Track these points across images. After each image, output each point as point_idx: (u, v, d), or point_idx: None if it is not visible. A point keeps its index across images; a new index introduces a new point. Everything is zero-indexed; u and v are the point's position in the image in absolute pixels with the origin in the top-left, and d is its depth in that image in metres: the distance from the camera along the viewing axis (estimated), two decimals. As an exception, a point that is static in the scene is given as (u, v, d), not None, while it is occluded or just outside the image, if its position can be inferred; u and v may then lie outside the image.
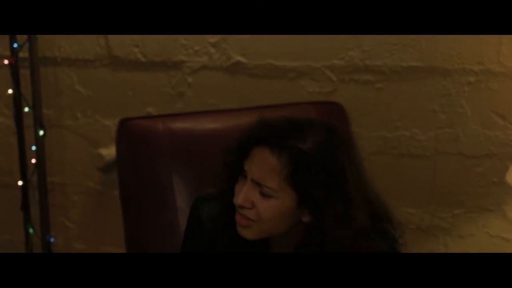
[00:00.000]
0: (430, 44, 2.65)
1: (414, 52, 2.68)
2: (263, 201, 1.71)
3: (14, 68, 3.14)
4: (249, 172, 1.73)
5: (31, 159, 3.24)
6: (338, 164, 1.70)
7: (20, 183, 3.28)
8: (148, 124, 2.35)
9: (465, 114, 2.67)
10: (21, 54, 3.14)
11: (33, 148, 3.20)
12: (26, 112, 3.20)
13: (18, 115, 3.21)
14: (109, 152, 3.15)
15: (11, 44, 3.12)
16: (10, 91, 3.17)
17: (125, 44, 3.09)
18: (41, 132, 3.17)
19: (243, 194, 1.73)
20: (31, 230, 3.32)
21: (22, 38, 3.09)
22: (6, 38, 3.13)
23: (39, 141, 3.19)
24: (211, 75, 3.00)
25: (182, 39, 3.01)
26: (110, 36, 3.11)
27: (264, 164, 1.70)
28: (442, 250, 2.81)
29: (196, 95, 3.04)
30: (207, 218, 1.87)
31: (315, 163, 1.68)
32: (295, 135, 1.70)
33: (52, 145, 3.29)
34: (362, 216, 1.72)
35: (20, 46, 3.11)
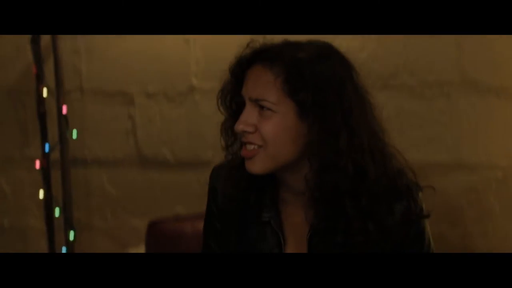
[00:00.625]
0: (455, 139, 2.65)
1: (440, 146, 2.68)
2: (264, 121, 1.63)
3: (45, 171, 3.17)
4: (246, 93, 1.65)
5: (61, 260, 3.23)
6: (337, 76, 1.62)
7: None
8: (177, 226, 2.35)
9: (494, 210, 2.65)
10: (52, 156, 3.18)
11: (64, 250, 3.21)
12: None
13: (49, 218, 3.22)
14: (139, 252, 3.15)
15: (43, 147, 3.17)
16: (41, 193, 3.19)
17: (154, 143, 3.13)
18: (72, 235, 3.17)
19: (243, 118, 1.65)
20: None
21: (54, 140, 3.14)
22: (37, 140, 3.18)
23: (69, 243, 3.19)
24: (239, 173, 3.01)
25: (210, 137, 3.05)
26: (139, 136, 3.15)
27: (258, 80, 1.63)
28: None
29: (224, 193, 3.04)
30: (220, 180, 1.78)
31: (310, 69, 1.61)
32: (288, 48, 1.64)
33: (82, 246, 3.30)
34: (370, 148, 1.63)
35: (51, 149, 3.15)
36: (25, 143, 3.30)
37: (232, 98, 1.71)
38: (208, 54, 3.00)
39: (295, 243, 1.73)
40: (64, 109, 3.08)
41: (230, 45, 2.87)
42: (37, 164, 3.18)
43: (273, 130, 1.63)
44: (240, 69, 1.68)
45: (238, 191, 1.74)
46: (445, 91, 2.65)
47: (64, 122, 3.10)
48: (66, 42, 3.08)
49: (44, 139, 3.17)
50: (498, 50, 2.56)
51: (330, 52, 1.67)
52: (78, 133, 3.13)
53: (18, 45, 3.19)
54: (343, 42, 2.69)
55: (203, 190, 3.02)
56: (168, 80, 3.06)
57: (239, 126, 1.65)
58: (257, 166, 1.66)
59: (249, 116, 1.65)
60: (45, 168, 3.18)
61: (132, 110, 3.13)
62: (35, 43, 3.04)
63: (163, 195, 3.16)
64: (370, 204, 1.64)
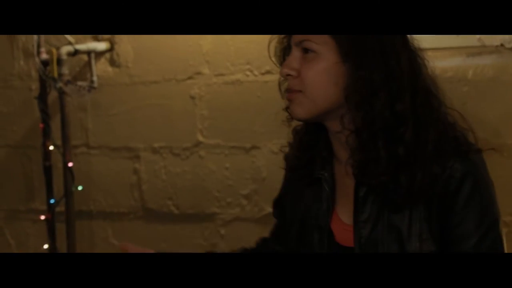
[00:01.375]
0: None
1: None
2: (307, 65, 1.67)
3: (50, 223, 3.19)
4: (292, 39, 1.70)
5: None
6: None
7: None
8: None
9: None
10: (57, 209, 3.20)
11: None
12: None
13: (54, 269, 3.23)
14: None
15: (48, 200, 3.19)
16: (45, 246, 3.21)
17: (159, 197, 3.15)
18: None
19: (287, 62, 1.70)
20: None
21: (59, 193, 3.16)
22: (43, 193, 3.20)
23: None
24: (244, 227, 3.03)
25: (214, 191, 3.07)
26: (144, 189, 3.17)
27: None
28: None
29: (228, 246, 3.06)
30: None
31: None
32: None
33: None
34: (414, 98, 1.64)
35: (56, 202, 3.17)
36: (30, 196, 3.32)
37: (283, 49, 1.76)
38: (213, 111, 3.03)
39: (346, 198, 1.76)
40: (70, 164, 3.10)
41: (234, 103, 2.97)
42: (42, 217, 3.20)
43: (314, 73, 1.67)
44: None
45: (295, 151, 1.81)
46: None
47: (69, 176, 3.12)
48: (73, 99, 3.11)
49: (49, 192, 3.19)
50: (501, 108, 2.60)
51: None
52: (83, 187, 3.15)
53: (25, 101, 3.23)
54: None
55: (207, 242, 3.07)
56: (174, 136, 3.09)
57: (283, 70, 1.71)
58: (298, 110, 1.71)
59: (293, 60, 1.70)
60: (49, 220, 3.20)
61: (138, 165, 3.16)
62: (42, 100, 3.08)
63: (168, 247, 3.17)
64: (406, 155, 1.64)
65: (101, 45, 3.12)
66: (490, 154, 2.55)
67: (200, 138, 3.05)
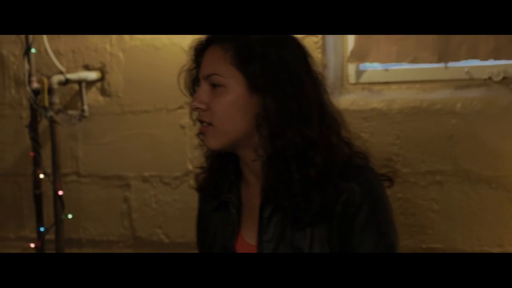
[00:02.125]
0: (448, 227, 2.69)
1: (433, 234, 2.71)
2: (216, 99, 1.73)
3: (40, 251, 3.18)
4: (201, 72, 1.77)
5: None
6: (288, 53, 1.73)
7: None
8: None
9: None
10: (47, 237, 3.20)
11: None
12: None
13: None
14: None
15: (38, 227, 3.19)
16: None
17: (148, 225, 3.15)
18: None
19: (196, 95, 1.76)
20: None
21: (49, 221, 3.15)
22: (33, 221, 3.20)
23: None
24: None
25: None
26: (134, 217, 3.17)
27: (211, 58, 1.74)
28: None
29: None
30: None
31: (261, 44, 1.71)
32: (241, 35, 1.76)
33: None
34: (321, 124, 1.72)
35: (46, 230, 3.17)
36: (20, 224, 3.32)
37: (193, 80, 1.82)
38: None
39: (251, 220, 1.81)
40: (60, 192, 3.11)
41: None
42: (32, 245, 3.20)
43: (223, 107, 1.74)
44: (197, 51, 1.79)
45: (205, 173, 1.88)
46: (437, 180, 2.69)
47: (59, 204, 3.12)
48: (64, 127, 3.12)
49: (39, 220, 3.19)
50: (489, 141, 2.61)
51: (285, 37, 1.78)
52: (73, 215, 3.15)
53: (16, 129, 3.23)
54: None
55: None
56: (164, 165, 3.09)
57: (193, 103, 1.77)
58: (211, 142, 1.77)
59: (202, 94, 1.76)
60: (39, 248, 3.19)
61: (128, 193, 3.16)
62: (33, 128, 3.09)
63: (158, 276, 3.17)
64: (317, 176, 1.71)
65: (92, 75, 3.13)
66: (480, 186, 2.61)
67: (190, 167, 3.06)
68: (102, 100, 3.15)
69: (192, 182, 3.00)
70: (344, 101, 2.80)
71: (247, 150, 1.78)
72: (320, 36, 2.77)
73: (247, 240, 1.82)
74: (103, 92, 3.14)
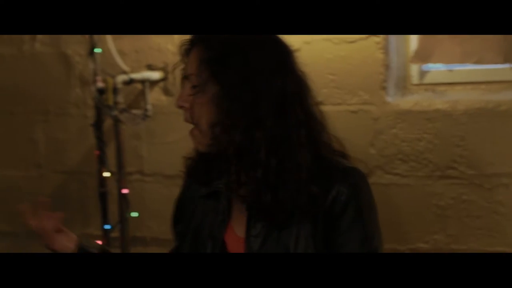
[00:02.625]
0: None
1: (499, 237, 2.66)
2: (194, 97, 1.75)
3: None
4: (184, 72, 1.80)
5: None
6: (256, 57, 1.74)
7: None
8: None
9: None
10: (112, 235, 3.24)
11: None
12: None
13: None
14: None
15: (103, 225, 3.23)
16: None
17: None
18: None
19: (180, 94, 1.80)
20: None
21: (114, 219, 3.19)
22: (98, 219, 3.24)
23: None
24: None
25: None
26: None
27: (191, 58, 1.78)
28: None
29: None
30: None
31: (235, 46, 1.74)
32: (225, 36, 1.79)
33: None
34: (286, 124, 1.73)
35: (112, 228, 3.21)
36: (85, 222, 3.36)
37: (182, 79, 1.84)
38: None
39: (240, 212, 1.82)
40: (125, 190, 3.14)
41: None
42: (98, 243, 3.23)
43: (199, 106, 1.77)
44: (184, 51, 1.81)
45: (197, 159, 1.88)
46: (504, 182, 2.64)
47: (124, 203, 3.16)
48: (128, 126, 3.15)
49: (104, 218, 3.23)
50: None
51: (261, 38, 1.79)
52: (138, 213, 3.18)
53: (81, 128, 3.28)
54: (400, 133, 2.75)
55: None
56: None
57: (176, 102, 1.81)
58: (198, 144, 1.82)
59: (183, 93, 1.80)
60: (105, 246, 3.23)
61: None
62: (98, 127, 3.13)
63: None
64: (265, 178, 1.72)
65: (155, 74, 3.15)
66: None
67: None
68: (165, 99, 3.17)
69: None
70: (407, 102, 2.76)
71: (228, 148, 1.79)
72: (382, 36, 2.74)
73: (237, 232, 1.83)
74: (166, 91, 3.16)
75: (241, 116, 1.73)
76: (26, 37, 3.33)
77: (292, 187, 1.73)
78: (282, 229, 1.76)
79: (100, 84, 3.10)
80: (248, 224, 1.80)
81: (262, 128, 1.73)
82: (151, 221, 3.28)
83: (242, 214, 1.82)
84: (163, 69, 3.15)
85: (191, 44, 1.80)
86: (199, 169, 1.89)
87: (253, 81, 1.74)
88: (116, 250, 3.24)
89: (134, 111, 3.16)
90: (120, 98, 3.10)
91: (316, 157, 1.76)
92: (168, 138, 3.17)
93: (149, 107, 3.16)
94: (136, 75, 3.13)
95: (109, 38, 3.12)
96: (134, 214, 3.17)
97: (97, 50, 3.09)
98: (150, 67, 3.16)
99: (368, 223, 1.77)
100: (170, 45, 3.11)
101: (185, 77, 1.80)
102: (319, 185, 1.73)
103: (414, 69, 2.79)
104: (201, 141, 1.80)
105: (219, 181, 1.85)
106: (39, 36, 3.31)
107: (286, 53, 1.81)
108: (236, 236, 1.83)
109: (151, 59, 3.16)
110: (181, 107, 1.80)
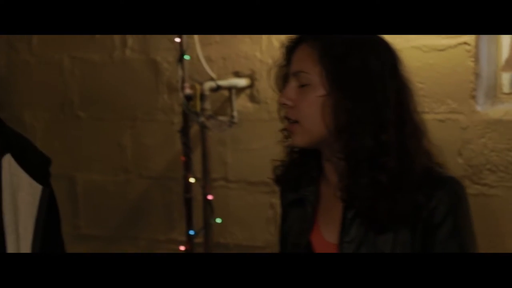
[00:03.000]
0: None
1: None
2: (301, 96, 1.73)
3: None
4: (291, 69, 1.78)
5: None
6: (373, 58, 1.72)
7: None
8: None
9: None
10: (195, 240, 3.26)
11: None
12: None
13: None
14: None
15: (187, 231, 3.26)
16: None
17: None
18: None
19: (284, 92, 1.77)
20: None
21: (197, 225, 3.22)
22: (182, 224, 3.28)
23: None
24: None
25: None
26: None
27: (299, 56, 1.76)
28: None
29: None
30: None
31: (347, 44, 1.71)
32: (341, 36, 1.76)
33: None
34: (399, 131, 1.71)
35: (196, 233, 3.24)
36: (170, 227, 3.41)
37: (283, 77, 1.83)
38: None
39: (331, 217, 1.80)
40: (210, 196, 3.17)
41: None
42: (182, 248, 3.27)
43: (308, 104, 1.74)
44: (288, 48, 1.79)
45: (286, 167, 1.88)
46: None
47: (209, 209, 3.18)
48: (214, 133, 3.18)
49: (189, 224, 3.26)
50: None
51: (374, 39, 1.76)
52: (221, 219, 3.21)
53: (168, 134, 3.33)
54: (489, 142, 2.70)
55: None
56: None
57: (280, 99, 1.79)
58: (297, 140, 1.79)
59: (290, 90, 1.77)
60: (189, 251, 3.26)
61: (274, 199, 3.18)
62: (185, 133, 3.17)
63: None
64: (389, 183, 1.69)
65: (242, 82, 3.18)
66: None
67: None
68: (251, 106, 3.19)
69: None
70: (497, 111, 2.72)
71: (330, 148, 1.77)
72: (473, 44, 2.70)
73: (326, 238, 1.81)
74: (252, 98, 3.19)
75: (368, 120, 1.71)
76: (117, 43, 3.41)
77: (405, 195, 1.71)
78: (378, 235, 1.74)
79: (187, 91, 3.14)
80: (342, 229, 1.77)
81: (387, 133, 1.71)
82: (235, 227, 3.30)
83: (333, 219, 1.80)
84: (250, 76, 3.18)
85: (300, 41, 1.78)
86: (289, 175, 1.88)
87: (372, 84, 1.72)
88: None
89: (221, 118, 3.20)
90: (207, 105, 3.14)
91: (421, 166, 1.75)
92: (253, 145, 3.20)
93: (235, 114, 3.19)
94: (223, 82, 3.17)
95: (197, 45, 3.17)
96: (218, 220, 3.20)
97: (186, 57, 3.14)
98: (237, 74, 3.20)
99: (466, 234, 1.75)
100: (257, 52, 3.14)
101: (292, 74, 1.78)
102: (422, 194, 1.72)
103: (505, 77, 2.75)
104: (301, 138, 1.77)
105: (307, 187, 1.84)
106: (130, 43, 3.38)
107: (397, 57, 1.79)
108: (325, 242, 1.82)
109: (238, 66, 3.19)
110: (284, 104, 1.78)
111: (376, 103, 1.71)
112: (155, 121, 3.39)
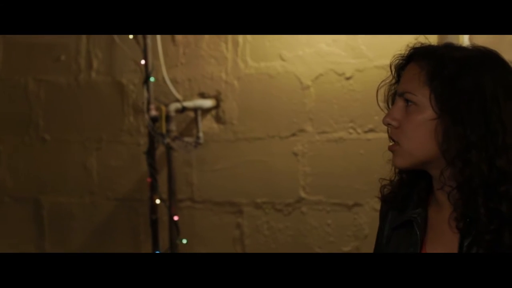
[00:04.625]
0: None
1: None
2: (407, 117, 1.65)
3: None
4: (398, 88, 1.70)
5: None
6: (485, 79, 1.61)
7: None
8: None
9: None
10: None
11: None
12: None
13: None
14: None
15: (153, 251, 3.26)
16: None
17: (261, 251, 3.18)
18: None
19: (390, 112, 1.69)
20: None
21: (164, 246, 3.22)
22: (149, 245, 3.27)
23: None
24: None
25: (316, 247, 3.07)
26: (247, 243, 3.20)
27: (408, 75, 1.67)
28: None
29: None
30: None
31: (456, 65, 1.62)
32: (444, 47, 1.68)
33: None
34: None
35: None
36: (136, 248, 3.40)
37: (391, 96, 1.74)
38: (315, 167, 3.07)
39: (440, 243, 1.71)
40: (175, 217, 3.18)
41: (336, 160, 2.99)
42: (147, 269, 3.26)
43: (413, 126, 1.65)
44: (397, 67, 1.72)
45: (394, 186, 1.77)
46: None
47: (175, 230, 3.19)
48: (179, 154, 3.20)
49: (155, 245, 3.27)
50: None
51: (489, 58, 1.67)
52: (187, 240, 3.22)
53: (134, 156, 3.34)
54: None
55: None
56: (276, 192, 3.13)
57: (385, 119, 1.69)
58: (397, 161, 1.69)
59: (396, 110, 1.68)
60: (154, 273, 3.26)
61: (241, 219, 3.21)
62: (150, 155, 3.18)
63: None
64: (510, 213, 1.59)
65: (208, 102, 3.20)
66: None
67: (303, 194, 3.08)
68: (216, 127, 3.22)
69: (304, 209, 3.08)
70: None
71: (439, 173, 1.67)
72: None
73: None
74: (218, 119, 3.21)
75: (482, 146, 1.61)
76: (83, 66, 3.42)
77: None
78: None
79: (153, 113, 3.16)
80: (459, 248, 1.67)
81: (503, 158, 1.61)
82: (200, 247, 3.31)
83: (442, 244, 1.70)
84: (215, 97, 3.21)
85: (409, 59, 1.70)
86: (396, 194, 1.78)
87: (486, 107, 1.62)
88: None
89: (186, 139, 3.22)
90: (173, 126, 3.16)
91: None
92: (218, 165, 3.22)
93: (201, 134, 3.21)
94: (188, 103, 3.19)
95: (163, 67, 3.19)
96: (184, 241, 3.21)
97: (151, 79, 3.16)
98: (203, 95, 3.22)
99: None
100: (223, 74, 3.17)
101: (399, 94, 1.69)
102: None
103: None
104: (402, 160, 1.69)
105: (415, 209, 1.75)
106: (95, 65, 3.40)
107: (508, 71, 1.68)
108: None
109: (204, 87, 3.22)
110: (388, 124, 1.70)
111: (490, 127, 1.60)
112: (121, 142, 3.40)
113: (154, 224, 3.23)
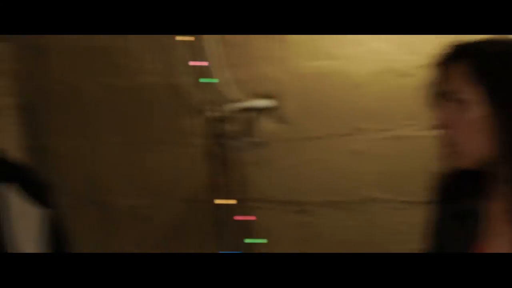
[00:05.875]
0: None
1: None
2: (460, 116, 1.64)
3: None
4: (445, 89, 1.68)
5: None
6: None
7: None
8: None
9: None
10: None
11: None
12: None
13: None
14: None
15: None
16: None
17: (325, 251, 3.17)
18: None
19: (442, 113, 1.68)
20: None
21: (229, 246, 3.23)
22: (214, 246, 3.28)
23: None
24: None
25: (386, 245, 3.04)
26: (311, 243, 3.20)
27: (455, 73, 1.66)
28: None
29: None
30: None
31: (500, 59, 1.63)
32: (487, 43, 1.67)
33: None
34: None
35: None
36: (201, 248, 3.41)
37: (437, 96, 1.72)
38: (377, 166, 3.07)
39: (499, 235, 1.70)
40: (239, 217, 3.18)
41: (395, 158, 2.96)
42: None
43: (465, 125, 1.65)
44: (442, 66, 1.71)
45: (451, 177, 1.76)
46: None
47: (245, 230, 3.22)
48: (240, 154, 3.21)
49: (220, 245, 3.28)
50: None
51: None
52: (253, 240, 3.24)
53: (194, 157, 3.34)
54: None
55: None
56: (338, 190, 3.14)
57: (437, 121, 1.69)
58: (452, 162, 1.68)
59: (444, 112, 1.68)
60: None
61: (305, 218, 3.20)
62: (211, 156, 3.18)
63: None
64: None
65: (267, 102, 3.19)
66: None
67: (363, 193, 3.09)
68: (277, 127, 3.20)
69: (370, 207, 3.06)
70: None
71: (495, 170, 1.67)
72: None
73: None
74: (278, 119, 3.19)
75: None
76: (140, 68, 3.40)
77: None
78: None
79: (212, 113, 3.15)
80: None
81: None
82: (266, 246, 3.30)
83: (502, 239, 1.70)
84: (276, 97, 3.19)
85: (453, 57, 1.70)
86: (452, 186, 1.77)
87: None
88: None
89: (246, 139, 3.21)
90: (233, 127, 3.15)
91: None
92: (281, 164, 3.21)
93: (261, 134, 3.20)
94: (248, 104, 3.18)
95: (223, 67, 3.18)
96: (264, 241, 3.22)
97: (212, 80, 3.15)
98: (260, 95, 3.21)
99: None
100: (283, 74, 3.16)
101: (447, 94, 1.69)
102: None
103: None
104: (457, 160, 1.68)
105: (473, 199, 1.74)
106: (152, 67, 3.38)
107: None
108: None
109: (260, 87, 3.21)
110: (441, 126, 1.69)
111: None
112: (180, 144, 3.38)
113: (220, 224, 3.24)
